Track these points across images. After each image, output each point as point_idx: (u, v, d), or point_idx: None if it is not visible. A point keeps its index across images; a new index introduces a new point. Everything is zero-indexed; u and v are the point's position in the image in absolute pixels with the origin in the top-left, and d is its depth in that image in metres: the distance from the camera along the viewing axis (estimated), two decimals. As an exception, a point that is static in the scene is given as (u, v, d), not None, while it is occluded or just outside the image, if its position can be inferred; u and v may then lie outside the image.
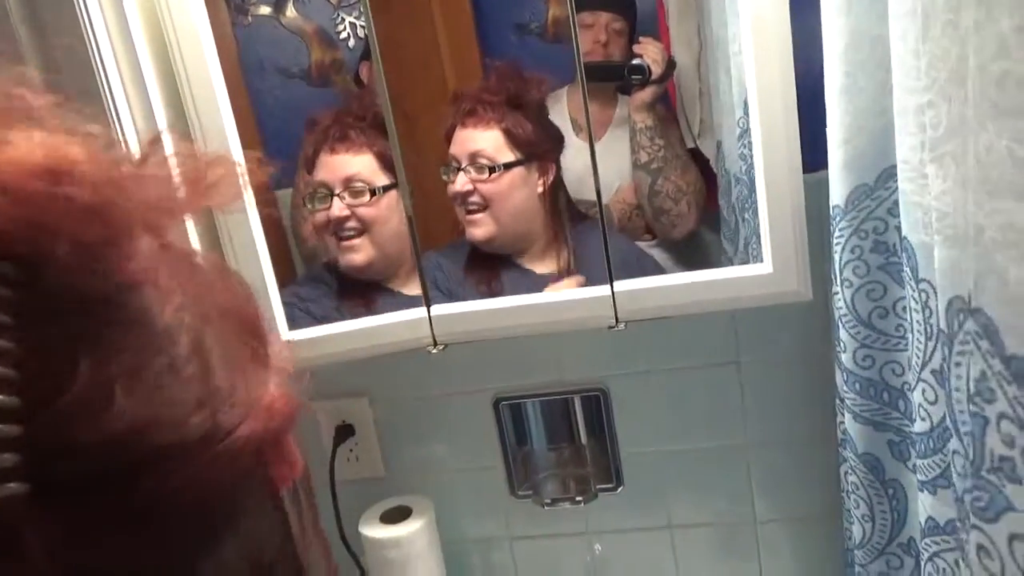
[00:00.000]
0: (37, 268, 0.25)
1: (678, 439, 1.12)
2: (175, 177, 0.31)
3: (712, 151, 1.03)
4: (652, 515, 1.17)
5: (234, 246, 0.96)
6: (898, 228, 0.77)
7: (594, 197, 0.99)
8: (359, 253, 1.05)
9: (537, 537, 1.20)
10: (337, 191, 1.02)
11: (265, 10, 1.06)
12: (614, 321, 0.96)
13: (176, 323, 0.29)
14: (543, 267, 1.07)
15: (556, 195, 1.05)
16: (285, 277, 1.09)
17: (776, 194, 0.89)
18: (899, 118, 0.71)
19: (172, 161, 0.32)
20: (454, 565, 1.19)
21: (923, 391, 0.75)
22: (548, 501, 1.14)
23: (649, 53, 1.01)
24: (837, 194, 0.85)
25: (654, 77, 1.01)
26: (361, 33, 1.05)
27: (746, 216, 0.96)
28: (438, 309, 1.00)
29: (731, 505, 1.14)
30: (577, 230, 1.05)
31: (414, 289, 1.05)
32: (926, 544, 0.79)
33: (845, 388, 0.90)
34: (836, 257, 0.87)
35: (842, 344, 0.89)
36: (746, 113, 0.90)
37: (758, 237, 0.93)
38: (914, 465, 0.81)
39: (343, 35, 1.06)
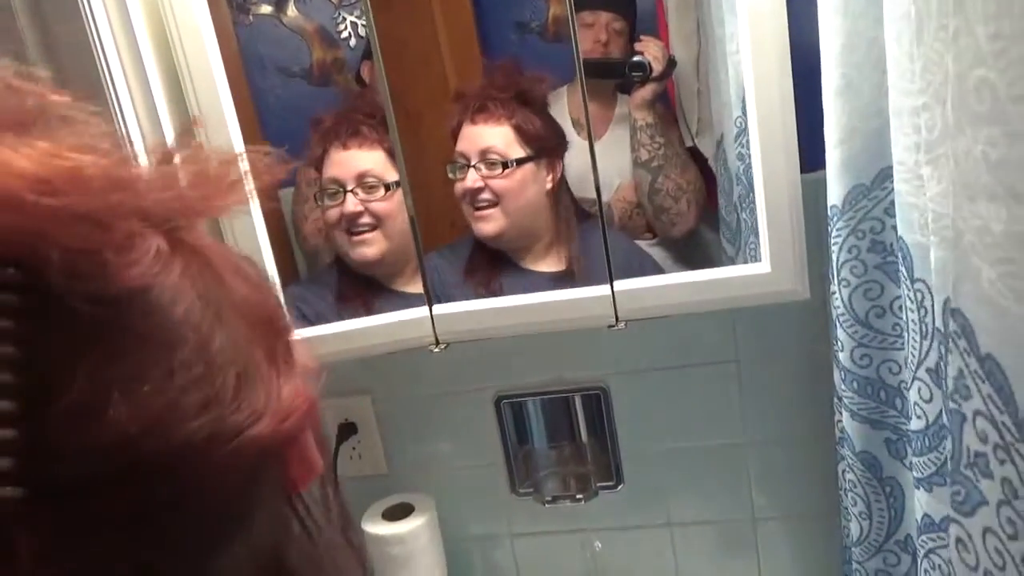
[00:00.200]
0: (34, 274, 0.25)
1: (678, 437, 1.13)
2: (193, 176, 0.31)
3: (711, 150, 1.03)
4: (652, 513, 1.17)
5: (238, 245, 0.96)
6: (895, 228, 0.77)
7: (594, 195, 0.99)
8: (372, 247, 1.05)
9: (538, 534, 1.21)
10: (350, 187, 1.03)
11: (266, 9, 1.06)
12: (614, 320, 0.96)
13: (183, 325, 0.28)
14: (544, 266, 1.07)
15: (561, 193, 1.05)
16: (287, 276, 1.10)
17: (774, 194, 0.89)
18: (895, 119, 0.71)
19: (196, 156, 0.31)
20: (455, 562, 1.20)
21: (919, 389, 0.75)
22: (549, 499, 1.14)
23: (650, 51, 1.01)
24: (834, 194, 0.85)
25: (655, 74, 1.01)
26: (362, 32, 1.05)
27: (745, 215, 0.96)
28: (440, 308, 1.01)
29: (730, 503, 1.15)
30: (581, 228, 1.06)
31: (416, 288, 1.05)
32: (922, 541, 0.79)
33: (843, 387, 0.91)
34: (834, 256, 0.87)
35: (840, 343, 0.89)
36: (744, 112, 0.90)
37: (756, 236, 0.93)
38: (910, 463, 0.81)
39: (344, 34, 1.06)
